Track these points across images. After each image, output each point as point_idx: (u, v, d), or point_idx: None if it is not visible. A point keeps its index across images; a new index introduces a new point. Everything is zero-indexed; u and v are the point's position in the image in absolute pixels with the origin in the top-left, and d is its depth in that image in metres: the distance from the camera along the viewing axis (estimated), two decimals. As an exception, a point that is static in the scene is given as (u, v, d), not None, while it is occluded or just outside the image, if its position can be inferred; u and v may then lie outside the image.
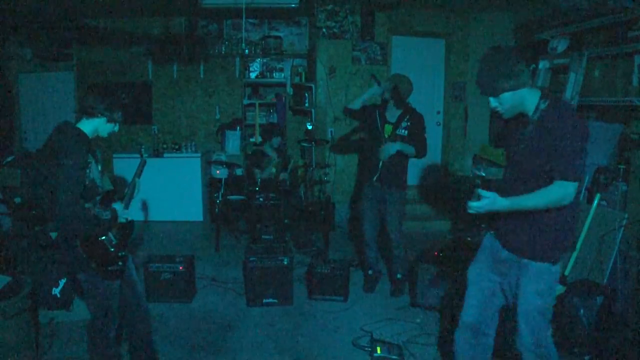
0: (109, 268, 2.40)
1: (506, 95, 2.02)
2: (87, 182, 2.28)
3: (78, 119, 2.39)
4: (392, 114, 3.90)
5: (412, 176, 4.21)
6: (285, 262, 3.89)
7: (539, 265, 2.13)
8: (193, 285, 4.12)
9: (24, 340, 2.79)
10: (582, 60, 4.25)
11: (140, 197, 5.30)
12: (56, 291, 3.48)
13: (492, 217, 2.25)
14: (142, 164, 2.84)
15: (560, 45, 4.59)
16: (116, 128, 2.46)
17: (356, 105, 3.94)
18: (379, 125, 3.90)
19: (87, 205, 2.30)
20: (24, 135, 7.22)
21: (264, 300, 3.90)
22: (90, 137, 2.37)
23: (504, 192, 2.06)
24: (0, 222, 4.48)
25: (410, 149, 3.82)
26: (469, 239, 2.39)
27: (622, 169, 3.62)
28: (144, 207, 6.15)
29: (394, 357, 3.00)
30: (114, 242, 2.44)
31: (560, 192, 1.98)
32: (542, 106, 2.04)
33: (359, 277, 4.42)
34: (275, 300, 3.91)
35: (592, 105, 4.26)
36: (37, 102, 7.17)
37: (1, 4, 5.52)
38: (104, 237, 2.40)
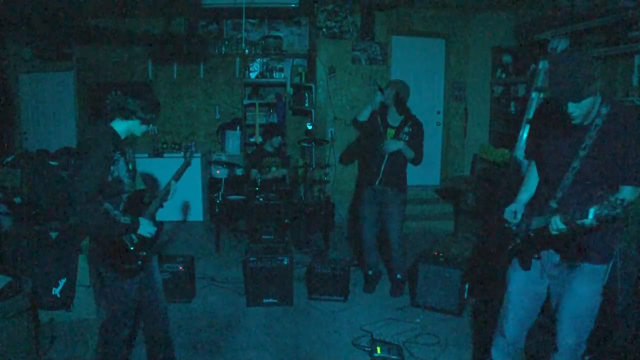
0: (126, 266, 2.38)
1: (587, 100, 1.92)
2: (109, 179, 2.28)
3: (111, 118, 2.37)
4: (394, 118, 3.97)
5: (412, 176, 4.22)
6: (285, 262, 3.89)
7: (595, 267, 2.11)
8: (193, 285, 4.11)
9: (24, 340, 2.79)
10: (582, 60, 4.24)
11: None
12: (56, 291, 3.47)
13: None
14: (185, 166, 2.77)
15: (560, 45, 4.59)
16: (150, 127, 2.46)
17: (365, 116, 4.01)
18: (382, 129, 3.95)
19: (106, 204, 2.28)
20: (24, 135, 7.22)
21: (264, 300, 3.90)
22: (123, 137, 2.39)
23: (566, 203, 2.01)
24: (0, 222, 4.48)
25: (410, 152, 3.90)
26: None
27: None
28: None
29: (394, 357, 3.00)
30: (135, 242, 2.41)
31: (632, 198, 1.95)
32: (604, 110, 1.98)
33: (359, 277, 4.42)
34: (275, 300, 3.91)
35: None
36: (37, 102, 7.17)
37: (1, 4, 5.52)
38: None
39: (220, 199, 5.40)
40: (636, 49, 3.72)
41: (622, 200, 1.72)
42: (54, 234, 3.74)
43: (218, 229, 5.37)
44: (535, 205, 2.21)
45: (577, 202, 2.00)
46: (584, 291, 2.11)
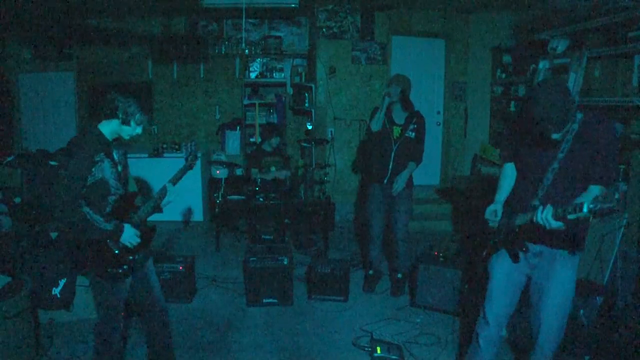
0: (109, 270, 2.34)
1: (568, 124, 2.11)
2: (91, 181, 2.23)
3: (100, 120, 2.34)
4: (399, 115, 3.99)
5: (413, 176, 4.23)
6: (285, 262, 3.89)
7: (573, 255, 2.26)
8: (193, 285, 4.11)
9: (24, 340, 2.79)
10: (582, 60, 4.25)
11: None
12: (56, 291, 3.48)
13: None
14: (185, 169, 2.65)
15: (560, 45, 4.59)
16: (138, 130, 2.37)
17: (379, 125, 3.93)
18: (388, 127, 3.97)
19: (85, 208, 2.21)
20: (24, 135, 7.21)
21: (264, 300, 3.90)
22: (110, 139, 2.34)
23: (547, 200, 2.09)
24: (0, 222, 4.48)
25: (412, 167, 3.98)
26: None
27: (622, 169, 3.62)
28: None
29: (394, 357, 3.00)
30: (121, 246, 2.37)
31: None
32: (579, 116, 2.15)
33: (359, 277, 4.42)
34: (275, 300, 3.91)
35: (592, 105, 4.26)
36: (37, 102, 7.17)
37: (1, 4, 5.52)
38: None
39: (220, 199, 5.40)
40: (636, 49, 3.72)
41: (610, 194, 1.78)
42: (54, 234, 3.75)
43: (218, 229, 5.37)
44: (517, 204, 2.35)
45: (558, 199, 2.13)
46: (567, 274, 2.27)
